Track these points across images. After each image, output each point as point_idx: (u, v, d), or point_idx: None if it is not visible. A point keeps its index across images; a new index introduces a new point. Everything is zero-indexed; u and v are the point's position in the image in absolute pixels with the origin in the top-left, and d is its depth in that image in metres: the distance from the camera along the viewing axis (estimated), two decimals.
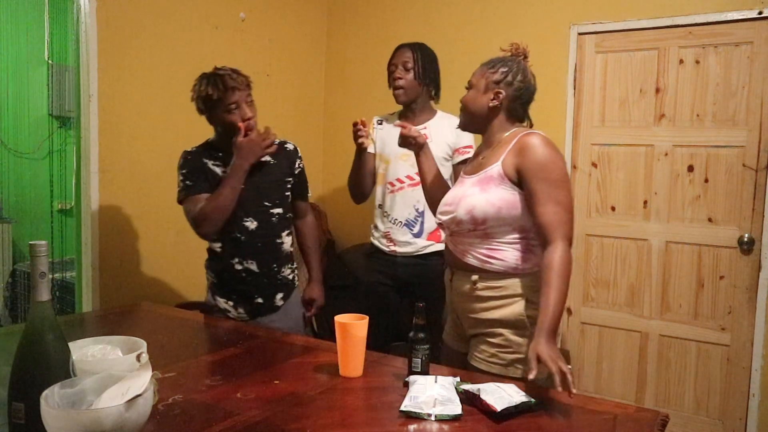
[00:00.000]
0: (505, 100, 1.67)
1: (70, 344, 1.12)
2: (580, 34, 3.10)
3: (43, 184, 4.44)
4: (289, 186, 2.15)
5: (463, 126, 1.77)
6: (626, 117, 3.05)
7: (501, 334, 1.63)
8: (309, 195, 2.30)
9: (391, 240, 2.43)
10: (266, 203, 2.07)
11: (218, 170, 2.04)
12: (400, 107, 2.50)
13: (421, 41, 2.46)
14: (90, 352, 1.31)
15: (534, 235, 1.63)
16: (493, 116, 1.69)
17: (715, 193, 2.86)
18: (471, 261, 1.66)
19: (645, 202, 3.02)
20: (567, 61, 3.13)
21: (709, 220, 2.88)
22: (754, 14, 2.72)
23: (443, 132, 2.38)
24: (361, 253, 2.68)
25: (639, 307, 3.06)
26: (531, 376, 1.40)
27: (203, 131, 2.95)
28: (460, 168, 2.27)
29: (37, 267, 1.03)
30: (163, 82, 2.85)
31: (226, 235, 2.04)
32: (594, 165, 3.13)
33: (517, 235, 1.63)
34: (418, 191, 2.25)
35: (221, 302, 2.10)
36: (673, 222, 2.96)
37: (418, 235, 2.40)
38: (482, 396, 1.29)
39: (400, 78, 2.33)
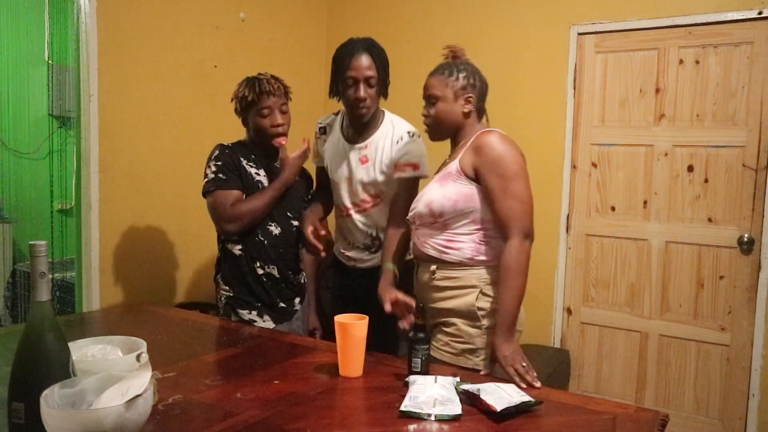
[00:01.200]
0: (474, 102, 1.74)
1: (70, 344, 1.12)
2: (580, 34, 3.10)
3: (43, 184, 4.43)
4: (304, 206, 2.19)
5: (436, 137, 1.80)
6: (626, 117, 3.05)
7: (454, 324, 1.69)
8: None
9: (349, 257, 2.24)
10: (288, 213, 2.11)
11: (252, 171, 2.05)
12: (340, 107, 2.21)
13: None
14: (90, 352, 1.31)
15: (492, 228, 1.69)
16: (466, 120, 1.76)
17: (715, 193, 2.86)
18: (430, 252, 1.74)
19: (645, 202, 3.02)
20: (567, 61, 3.13)
21: (709, 220, 2.88)
22: (754, 14, 2.72)
23: (381, 149, 2.09)
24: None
25: (639, 307, 3.06)
26: (482, 373, 1.60)
27: (203, 132, 2.96)
28: (403, 182, 2.04)
29: (37, 267, 1.03)
30: (163, 82, 2.85)
31: (249, 238, 2.04)
32: (594, 165, 3.13)
33: (474, 227, 1.69)
34: (368, 216, 2.13)
35: (244, 314, 2.06)
36: (673, 222, 2.96)
37: (376, 251, 2.19)
38: (482, 396, 1.29)
39: (365, 98, 2.00)
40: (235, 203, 1.99)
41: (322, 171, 2.28)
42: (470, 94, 1.73)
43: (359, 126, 2.11)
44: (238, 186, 2.01)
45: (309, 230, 2.00)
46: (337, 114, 2.23)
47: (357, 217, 2.15)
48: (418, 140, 2.07)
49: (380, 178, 2.08)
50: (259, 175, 2.06)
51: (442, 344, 1.70)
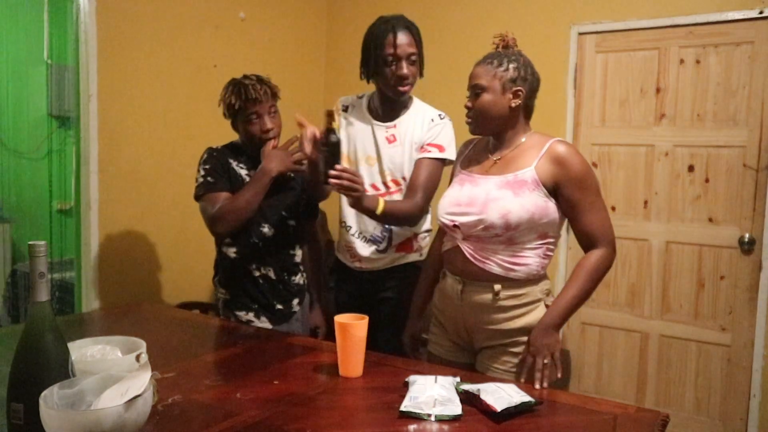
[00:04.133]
0: (524, 98, 1.62)
1: (70, 344, 1.12)
2: (580, 34, 3.10)
3: (42, 184, 4.42)
4: (302, 203, 2.16)
5: (478, 131, 1.69)
6: (626, 117, 3.05)
7: (525, 343, 1.59)
8: (318, 218, 2.30)
9: (354, 255, 2.11)
10: (284, 213, 2.08)
11: (243, 172, 2.03)
12: (367, 90, 2.16)
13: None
14: (89, 353, 1.30)
15: (554, 242, 1.64)
16: (514, 117, 1.64)
17: (716, 193, 2.86)
18: (494, 269, 1.60)
19: (645, 202, 3.02)
20: (567, 61, 3.13)
21: (710, 220, 2.88)
22: (754, 14, 2.72)
23: (411, 131, 2.04)
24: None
25: (639, 307, 3.06)
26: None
27: (203, 131, 2.96)
28: (426, 163, 1.98)
29: (36, 267, 1.03)
30: (163, 82, 2.85)
31: (244, 240, 2.02)
32: (594, 165, 3.13)
33: (540, 241, 1.61)
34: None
35: (241, 316, 2.05)
36: (674, 222, 2.96)
37: (384, 251, 2.09)
38: (482, 396, 1.29)
39: (408, 75, 1.96)
40: (214, 206, 1.95)
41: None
42: (520, 88, 1.60)
43: (390, 106, 2.05)
44: (226, 188, 1.99)
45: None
46: (360, 97, 2.16)
47: None
48: (447, 123, 2.03)
49: (406, 160, 2.02)
50: (250, 176, 2.03)
51: (512, 366, 1.60)
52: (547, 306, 1.62)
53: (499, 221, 1.55)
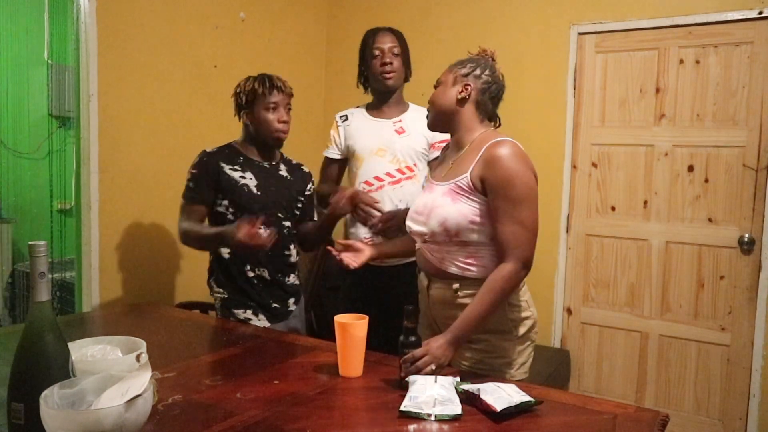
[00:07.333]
0: (473, 92, 1.64)
1: (70, 344, 1.12)
2: (580, 34, 3.10)
3: (42, 184, 4.42)
4: (299, 205, 2.17)
5: (431, 125, 1.73)
6: (626, 117, 3.05)
7: (485, 340, 1.61)
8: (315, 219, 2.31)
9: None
10: (279, 215, 2.09)
11: (236, 174, 2.03)
12: (366, 101, 2.39)
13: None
14: (90, 352, 1.31)
15: None
16: (461, 109, 1.65)
17: (716, 193, 2.86)
18: (451, 269, 1.62)
19: (645, 202, 3.02)
20: (567, 61, 3.13)
21: (709, 220, 2.88)
22: (754, 14, 2.72)
23: (419, 124, 2.16)
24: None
25: (639, 307, 3.06)
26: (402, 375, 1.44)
27: (203, 132, 2.96)
28: (434, 164, 2.17)
29: (37, 267, 1.03)
30: (163, 82, 2.85)
31: None
32: (594, 165, 3.13)
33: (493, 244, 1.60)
34: (400, 190, 2.22)
35: (239, 314, 2.06)
36: (673, 222, 2.96)
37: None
38: (482, 396, 1.29)
39: (392, 63, 2.21)
40: (185, 220, 2.06)
41: (332, 163, 2.39)
42: (468, 82, 1.63)
43: (389, 106, 2.29)
44: (206, 198, 2.04)
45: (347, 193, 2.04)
46: (358, 107, 2.40)
47: (388, 189, 2.22)
48: None
49: (418, 147, 2.25)
50: (245, 177, 2.03)
51: (475, 362, 1.61)
52: (511, 304, 1.61)
53: (438, 229, 1.59)
